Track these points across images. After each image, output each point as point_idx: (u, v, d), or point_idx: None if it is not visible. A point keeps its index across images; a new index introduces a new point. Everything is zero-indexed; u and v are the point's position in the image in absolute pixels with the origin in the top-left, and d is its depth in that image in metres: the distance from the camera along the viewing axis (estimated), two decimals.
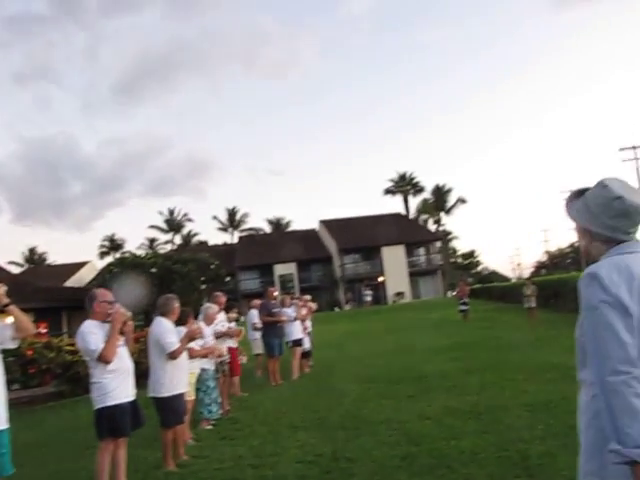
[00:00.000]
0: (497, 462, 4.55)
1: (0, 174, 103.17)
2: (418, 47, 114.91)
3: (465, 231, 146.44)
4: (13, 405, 3.66)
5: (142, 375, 5.94)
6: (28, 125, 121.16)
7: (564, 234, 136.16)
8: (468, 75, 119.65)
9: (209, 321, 7.75)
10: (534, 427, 5.52)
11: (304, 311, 12.20)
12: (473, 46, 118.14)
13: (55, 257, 75.50)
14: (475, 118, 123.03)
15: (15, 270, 51.96)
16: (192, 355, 6.48)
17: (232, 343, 9.12)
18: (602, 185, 1.99)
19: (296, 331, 11.35)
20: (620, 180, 2.01)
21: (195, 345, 6.61)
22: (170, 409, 5.60)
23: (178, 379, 5.73)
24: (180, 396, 5.73)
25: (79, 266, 60.40)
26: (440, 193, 67.40)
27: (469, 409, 6.66)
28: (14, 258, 69.22)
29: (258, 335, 11.74)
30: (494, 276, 79.36)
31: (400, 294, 46.64)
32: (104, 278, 26.38)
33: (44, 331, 17.70)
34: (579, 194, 2.10)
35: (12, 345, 3.85)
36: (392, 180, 65.26)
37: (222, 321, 9.34)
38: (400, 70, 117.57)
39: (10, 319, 3.82)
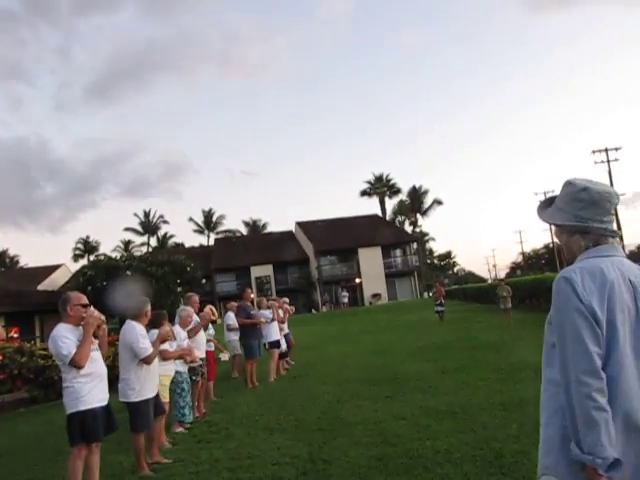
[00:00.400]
0: (472, 461, 4.60)
1: None
2: (394, 48, 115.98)
3: (441, 232, 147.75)
4: None
5: (116, 379, 5.88)
6: None
7: (538, 235, 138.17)
8: (443, 77, 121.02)
9: (185, 324, 7.71)
10: (508, 426, 5.59)
11: (282, 313, 12.20)
12: (448, 47, 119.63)
13: (27, 260, 74.78)
14: (451, 120, 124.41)
15: None
16: (166, 357, 6.43)
17: (210, 347, 9.10)
18: (567, 183, 2.06)
19: (273, 333, 11.32)
20: (585, 178, 2.07)
21: (169, 347, 6.57)
22: (139, 414, 5.54)
23: (149, 384, 5.68)
24: (150, 401, 5.66)
25: (52, 269, 59.44)
26: (416, 194, 67.87)
27: (445, 409, 6.72)
28: None
29: (234, 337, 11.71)
30: (470, 277, 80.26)
31: (377, 295, 46.79)
32: (78, 281, 26.01)
33: (16, 335, 17.42)
34: (549, 202, 2.17)
35: None
36: (368, 182, 65.59)
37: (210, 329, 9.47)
38: (376, 72, 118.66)
39: None
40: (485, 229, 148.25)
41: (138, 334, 5.67)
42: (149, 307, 5.98)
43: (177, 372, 7.06)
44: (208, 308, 8.71)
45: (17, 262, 73.44)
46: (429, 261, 72.06)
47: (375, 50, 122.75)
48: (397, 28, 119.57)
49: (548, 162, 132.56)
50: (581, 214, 1.98)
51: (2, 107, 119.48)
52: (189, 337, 7.63)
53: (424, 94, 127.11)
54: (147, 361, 5.57)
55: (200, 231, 70.88)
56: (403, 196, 67.54)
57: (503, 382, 8.07)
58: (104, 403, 4.80)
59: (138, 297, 6.27)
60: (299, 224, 54.61)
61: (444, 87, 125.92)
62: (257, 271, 48.62)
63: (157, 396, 5.90)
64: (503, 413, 6.21)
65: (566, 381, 1.80)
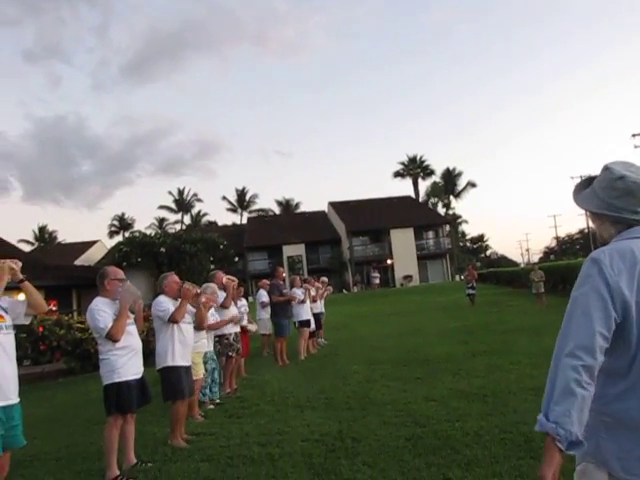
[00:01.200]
0: (501, 444, 4.59)
1: (11, 153, 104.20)
2: (431, 30, 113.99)
3: (474, 215, 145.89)
4: (24, 381, 3.74)
5: (150, 353, 6.02)
6: (39, 104, 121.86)
7: (574, 220, 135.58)
8: (479, 59, 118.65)
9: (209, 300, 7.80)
10: (538, 411, 5.54)
11: (314, 292, 12.29)
12: (489, 31, 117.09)
13: (65, 236, 76.32)
14: (487, 101, 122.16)
15: (26, 248, 52.28)
16: (211, 327, 6.80)
17: (244, 323, 9.20)
18: (605, 168, 2.01)
19: (304, 312, 11.44)
20: (625, 162, 2.01)
21: (212, 319, 6.77)
22: (170, 381, 5.63)
23: (180, 353, 5.74)
24: (181, 369, 5.72)
25: (89, 245, 60.87)
26: (450, 177, 67.13)
27: (475, 392, 6.71)
28: (25, 236, 69.83)
29: (266, 315, 11.83)
30: (503, 261, 79.20)
31: (408, 277, 46.63)
32: (114, 257, 26.51)
33: (54, 309, 17.90)
34: (587, 183, 2.12)
35: (25, 321, 3.92)
36: (402, 163, 65.06)
37: (244, 305, 9.55)
38: (412, 53, 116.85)
39: (22, 296, 3.89)
40: (519, 213, 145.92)
41: (159, 301, 5.81)
42: (172, 280, 6.01)
43: (207, 350, 7.18)
44: (226, 278, 8.53)
45: (55, 238, 75.05)
46: (461, 244, 71.33)
47: (410, 29, 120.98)
48: (436, 10, 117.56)
49: (586, 145, 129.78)
50: (615, 203, 1.93)
51: (42, 86, 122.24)
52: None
53: (460, 77, 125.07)
54: (173, 320, 5.64)
55: (233, 210, 71.43)
56: (437, 178, 66.97)
57: (534, 367, 8.00)
58: (138, 376, 4.93)
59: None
60: (332, 204, 54.56)
61: (480, 70, 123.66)
62: (289, 250, 48.84)
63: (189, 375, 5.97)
64: (534, 397, 6.15)
65: (559, 350, 1.79)
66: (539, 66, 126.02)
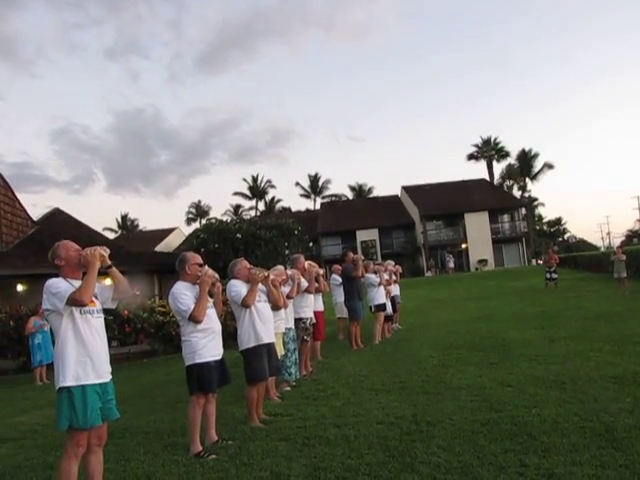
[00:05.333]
0: (580, 432, 4.49)
1: (96, 146, 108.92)
2: (503, 5, 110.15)
3: (551, 198, 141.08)
4: (113, 361, 3.98)
5: (228, 336, 6.23)
6: (119, 98, 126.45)
7: None
8: (558, 35, 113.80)
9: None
10: (621, 400, 5.39)
11: (386, 276, 12.32)
12: (570, 6, 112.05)
13: (144, 223, 79.09)
14: (563, 79, 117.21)
15: (110, 236, 54.60)
16: (290, 296, 7.24)
17: (319, 307, 9.31)
18: None
19: (379, 296, 11.51)
20: None
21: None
22: (252, 363, 5.74)
23: (263, 331, 5.84)
24: (262, 347, 5.79)
25: (167, 232, 63.08)
26: (526, 158, 64.91)
27: (552, 378, 6.57)
28: (109, 225, 72.97)
29: (341, 299, 11.94)
30: (581, 245, 76.30)
31: (483, 261, 45.76)
32: (192, 243, 27.31)
33: (138, 293, 18.70)
34: None
35: (112, 305, 4.14)
36: (476, 145, 63.36)
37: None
38: (485, 32, 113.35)
39: (108, 281, 4.12)
40: (599, 194, 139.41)
41: (231, 285, 5.92)
42: (242, 265, 6.09)
43: (286, 329, 7.34)
44: (307, 263, 8.69)
45: (137, 225, 78.00)
46: (538, 227, 69.08)
47: (481, 5, 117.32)
48: None
49: None
50: None
51: (122, 81, 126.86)
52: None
53: (534, 55, 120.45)
54: (245, 304, 5.75)
55: (306, 195, 71.92)
56: (512, 160, 64.83)
57: (615, 354, 7.74)
58: (218, 357, 5.10)
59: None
60: (405, 188, 54.10)
61: (557, 48, 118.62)
62: (363, 235, 48.91)
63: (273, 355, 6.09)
64: (615, 386, 5.99)
65: None
66: (622, 44, 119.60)
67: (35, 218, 22.23)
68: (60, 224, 21.66)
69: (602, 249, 64.49)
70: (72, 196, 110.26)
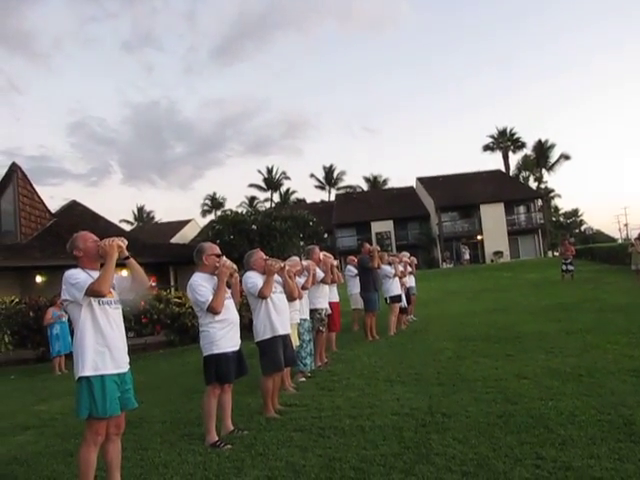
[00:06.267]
0: (598, 425, 4.45)
1: (112, 138, 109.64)
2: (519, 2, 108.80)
3: (568, 189, 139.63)
4: (129, 351, 4.01)
5: (244, 327, 6.25)
6: (135, 91, 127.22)
7: None
8: (574, 30, 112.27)
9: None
10: (639, 393, 5.35)
11: (401, 267, 12.30)
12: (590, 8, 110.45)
13: (160, 215, 79.59)
14: (581, 69, 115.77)
15: (126, 228, 55.01)
16: (304, 287, 7.20)
17: (334, 298, 9.32)
18: None
19: (394, 287, 11.52)
20: None
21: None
22: (268, 354, 5.76)
23: (279, 322, 5.85)
24: (278, 339, 5.81)
25: (183, 224, 63.37)
26: (542, 149, 64.24)
27: (569, 371, 6.53)
28: (125, 216, 73.52)
29: (356, 290, 11.95)
30: (598, 236, 75.60)
31: (499, 253, 45.48)
32: (207, 235, 27.42)
33: (154, 284, 18.86)
34: None
35: (129, 296, 4.17)
36: (491, 136, 62.88)
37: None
38: (499, 23, 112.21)
39: (125, 272, 4.15)
40: (616, 186, 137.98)
41: (247, 277, 5.93)
42: (258, 256, 6.09)
43: (301, 319, 7.36)
44: (323, 254, 8.73)
45: (153, 217, 78.54)
46: (554, 219, 68.47)
47: (501, 4, 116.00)
48: None
49: None
50: None
51: (138, 73, 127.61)
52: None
53: (550, 46, 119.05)
54: (262, 295, 5.75)
55: (321, 187, 71.88)
56: (528, 151, 64.21)
57: (633, 347, 7.66)
58: (236, 348, 5.12)
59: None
60: (420, 180, 53.85)
61: (572, 38, 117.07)
62: (377, 226, 48.83)
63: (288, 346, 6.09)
64: (633, 379, 5.93)
65: None
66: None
67: (53, 210, 22.45)
68: (77, 216, 21.87)
69: (619, 241, 63.79)
70: (89, 188, 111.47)
